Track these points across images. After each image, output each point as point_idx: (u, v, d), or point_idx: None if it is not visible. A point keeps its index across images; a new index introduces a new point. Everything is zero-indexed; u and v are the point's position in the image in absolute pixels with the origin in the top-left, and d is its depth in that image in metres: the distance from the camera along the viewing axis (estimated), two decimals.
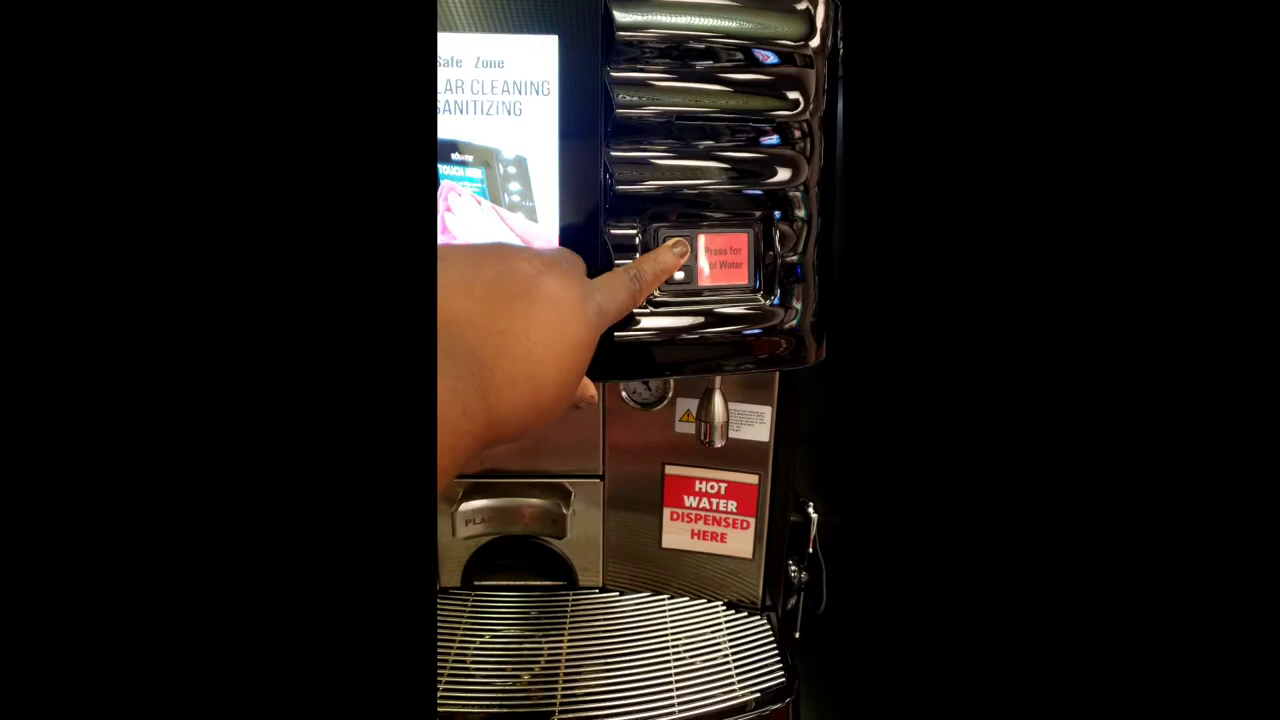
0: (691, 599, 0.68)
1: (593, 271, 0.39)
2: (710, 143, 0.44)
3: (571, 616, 0.65)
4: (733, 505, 0.64)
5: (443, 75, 0.41)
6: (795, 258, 0.46)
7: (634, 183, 0.43)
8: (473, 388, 0.31)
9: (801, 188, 0.46)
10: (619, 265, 0.43)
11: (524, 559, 0.68)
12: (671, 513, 0.66)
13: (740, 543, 0.65)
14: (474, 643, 0.62)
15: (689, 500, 0.65)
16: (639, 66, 0.42)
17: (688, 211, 0.44)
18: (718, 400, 0.55)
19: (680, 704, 0.56)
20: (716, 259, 0.44)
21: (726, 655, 0.61)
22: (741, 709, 0.56)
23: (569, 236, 0.43)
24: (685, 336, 0.44)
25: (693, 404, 0.62)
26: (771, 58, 0.44)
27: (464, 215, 0.42)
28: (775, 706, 0.57)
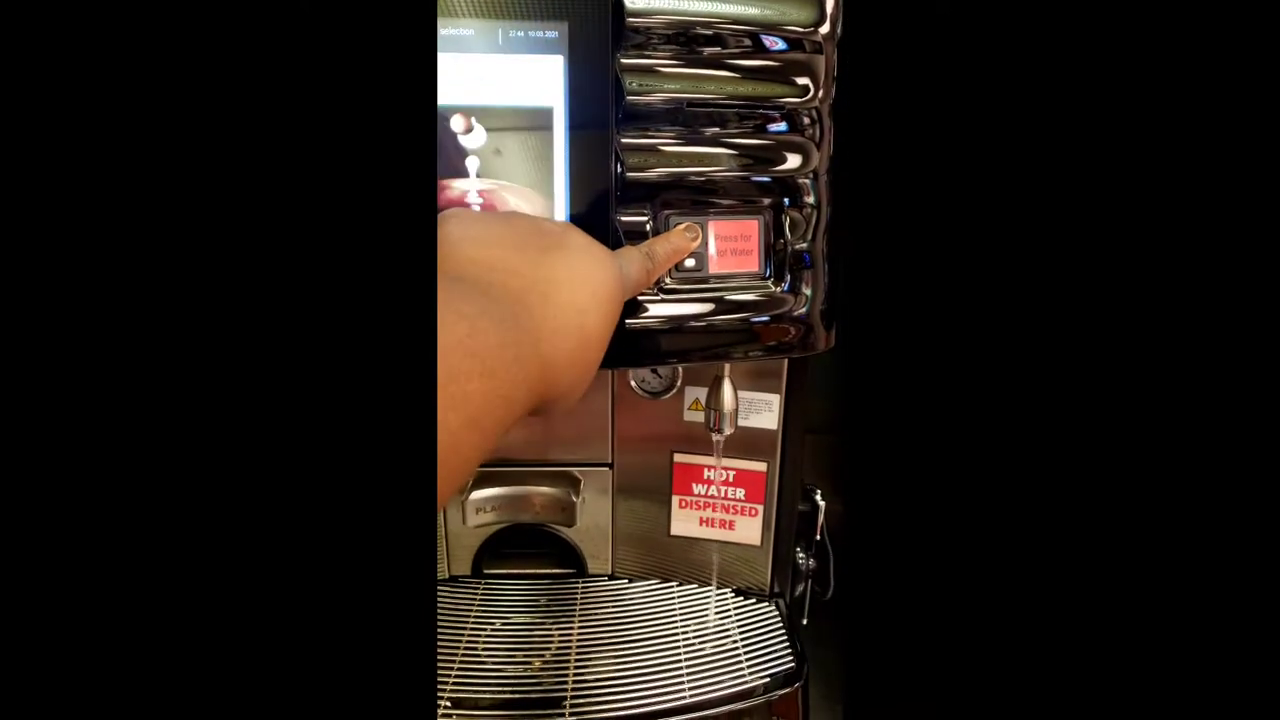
0: (700, 586, 0.68)
1: None
2: (720, 129, 0.44)
3: (581, 603, 0.66)
4: (741, 493, 0.65)
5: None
6: (805, 245, 0.46)
7: (644, 169, 0.43)
8: (525, 337, 0.30)
9: (811, 175, 0.46)
10: (617, 241, 0.43)
11: (534, 547, 0.68)
12: (680, 500, 0.66)
13: (748, 530, 0.66)
14: (485, 630, 0.62)
15: (697, 488, 0.65)
16: (648, 53, 0.42)
17: (698, 198, 0.44)
18: (727, 388, 0.55)
19: (691, 688, 0.56)
20: (726, 246, 0.44)
21: (736, 641, 0.61)
22: (751, 693, 0.56)
23: (579, 223, 0.43)
24: (695, 324, 0.45)
25: (701, 392, 0.62)
26: (780, 44, 0.44)
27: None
28: (785, 691, 0.57)
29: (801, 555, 0.70)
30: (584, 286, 0.34)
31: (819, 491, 0.68)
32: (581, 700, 0.55)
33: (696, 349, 0.46)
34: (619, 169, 0.43)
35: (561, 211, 0.43)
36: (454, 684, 0.56)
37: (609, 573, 0.69)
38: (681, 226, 0.43)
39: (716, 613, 0.65)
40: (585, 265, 0.34)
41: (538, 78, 0.42)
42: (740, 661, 0.59)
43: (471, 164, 0.42)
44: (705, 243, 0.44)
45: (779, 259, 0.46)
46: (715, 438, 0.57)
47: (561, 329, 0.32)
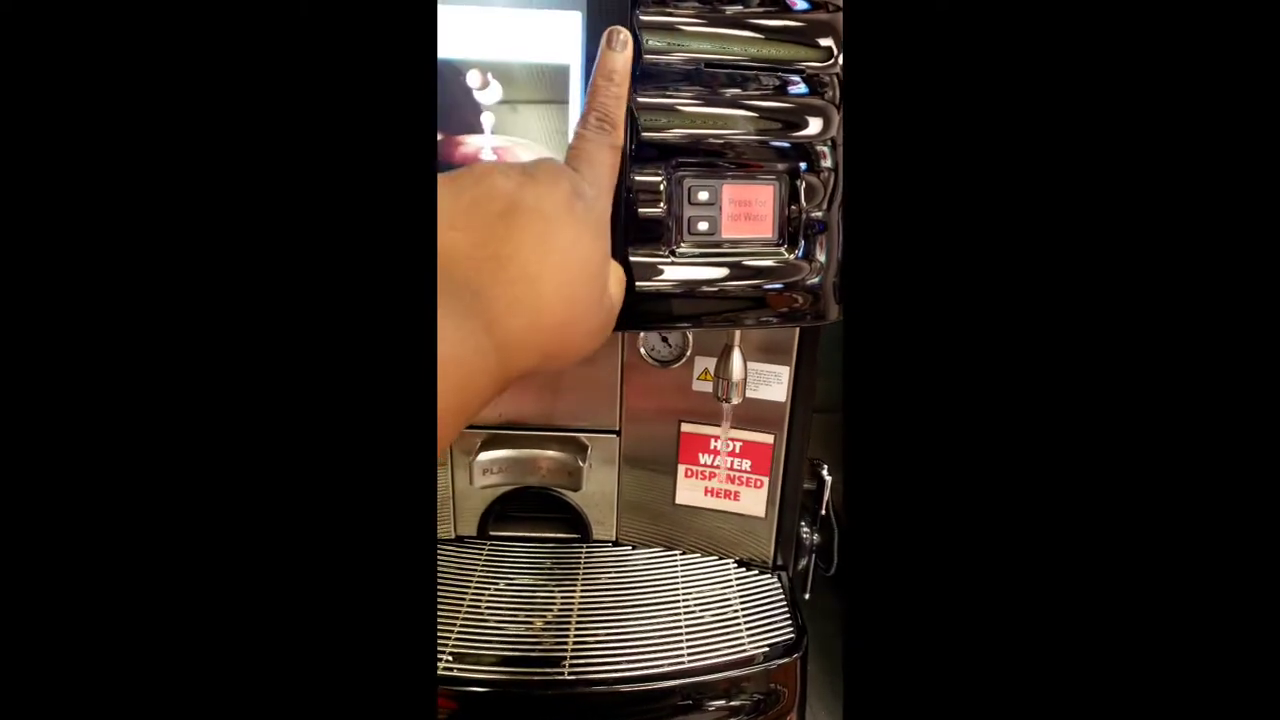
0: (703, 555, 0.68)
1: (615, 217, 0.39)
2: (738, 91, 0.43)
3: (585, 568, 0.66)
4: (747, 464, 0.65)
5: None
6: (820, 213, 0.45)
7: (659, 129, 0.42)
8: (478, 324, 0.30)
9: (829, 142, 0.45)
10: (629, 201, 0.42)
11: (539, 511, 0.69)
12: (686, 470, 0.66)
13: (753, 502, 0.66)
14: (488, 590, 0.63)
15: (704, 458, 0.65)
16: (668, 10, 0.42)
17: (712, 160, 0.43)
18: (736, 357, 0.55)
19: (690, 654, 0.56)
20: (740, 210, 0.44)
21: (736, 610, 0.62)
22: (749, 662, 0.57)
23: None
24: (705, 289, 0.44)
25: (710, 363, 0.62)
26: (802, 4, 0.43)
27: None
28: (784, 661, 0.57)
29: (806, 529, 0.70)
30: (534, 255, 0.32)
31: (825, 467, 0.68)
32: (581, 660, 0.55)
33: (706, 314, 0.45)
34: (634, 128, 0.42)
35: None
36: (456, 640, 0.57)
37: (613, 539, 0.69)
38: (603, 39, 0.39)
39: (718, 582, 0.65)
40: (533, 228, 0.33)
41: (556, 33, 0.41)
42: (740, 631, 0.60)
43: (487, 120, 0.42)
44: (718, 206, 0.44)
45: (793, 226, 0.45)
46: (725, 406, 0.56)
47: (512, 306, 0.31)
